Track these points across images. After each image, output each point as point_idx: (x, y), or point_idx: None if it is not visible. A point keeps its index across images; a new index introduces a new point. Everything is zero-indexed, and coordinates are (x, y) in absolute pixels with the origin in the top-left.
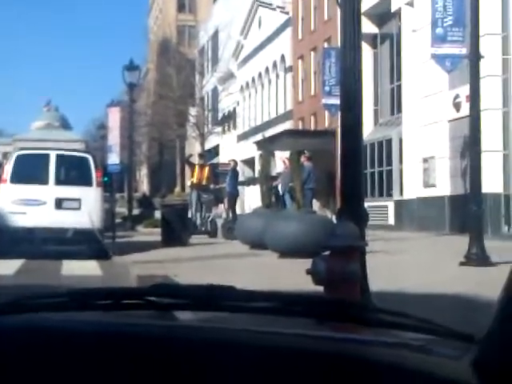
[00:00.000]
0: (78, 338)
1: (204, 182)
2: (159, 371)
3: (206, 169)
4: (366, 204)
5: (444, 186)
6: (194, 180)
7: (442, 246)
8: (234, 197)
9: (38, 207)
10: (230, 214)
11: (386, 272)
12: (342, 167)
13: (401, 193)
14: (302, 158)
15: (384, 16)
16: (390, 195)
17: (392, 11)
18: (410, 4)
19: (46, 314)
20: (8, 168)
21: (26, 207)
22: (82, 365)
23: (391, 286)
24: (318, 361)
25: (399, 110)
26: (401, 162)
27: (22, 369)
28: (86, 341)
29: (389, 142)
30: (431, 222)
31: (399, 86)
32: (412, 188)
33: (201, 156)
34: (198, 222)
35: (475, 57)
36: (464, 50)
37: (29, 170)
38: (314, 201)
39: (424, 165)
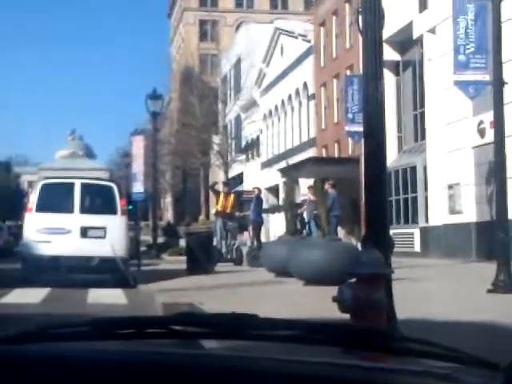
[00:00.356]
0: (101, 368)
1: (229, 210)
2: None
3: (231, 196)
4: (392, 231)
5: (470, 212)
6: (219, 208)
7: (468, 273)
8: (258, 224)
9: (63, 236)
10: (255, 242)
11: (413, 299)
12: (367, 194)
13: (426, 220)
14: (326, 186)
15: (406, 43)
16: (415, 222)
17: (414, 38)
18: (432, 31)
19: (70, 343)
20: (33, 197)
21: (52, 236)
22: None
23: (418, 314)
24: None
25: (423, 137)
26: (426, 188)
27: None
28: (110, 370)
29: (413, 168)
30: (458, 249)
31: (422, 113)
32: (438, 215)
33: (225, 184)
34: (224, 249)
35: (498, 83)
36: (487, 77)
37: (54, 199)
38: (339, 228)
39: (449, 191)
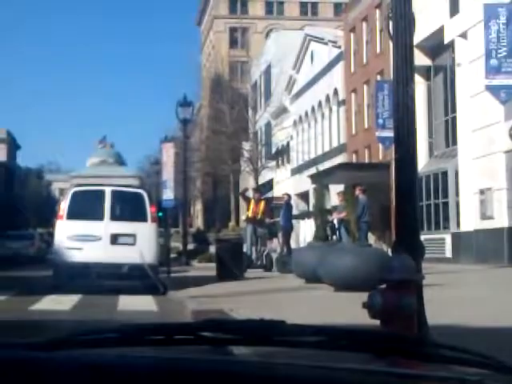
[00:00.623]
0: (130, 374)
1: (259, 216)
2: None
3: (262, 203)
4: (423, 237)
5: (502, 217)
6: (250, 214)
7: (500, 278)
8: (288, 231)
9: (93, 243)
10: (285, 248)
11: (444, 305)
12: (397, 200)
13: (458, 225)
14: (357, 191)
15: (437, 48)
16: (446, 228)
17: (445, 43)
18: (464, 36)
19: (99, 349)
20: (64, 204)
21: (82, 243)
22: None
23: (449, 320)
24: None
25: (454, 142)
26: (457, 194)
27: None
28: (138, 377)
29: (444, 174)
30: (489, 255)
31: (454, 118)
32: (469, 220)
33: (256, 190)
34: (254, 256)
35: None
36: None
37: (85, 206)
38: (370, 234)
39: (481, 196)
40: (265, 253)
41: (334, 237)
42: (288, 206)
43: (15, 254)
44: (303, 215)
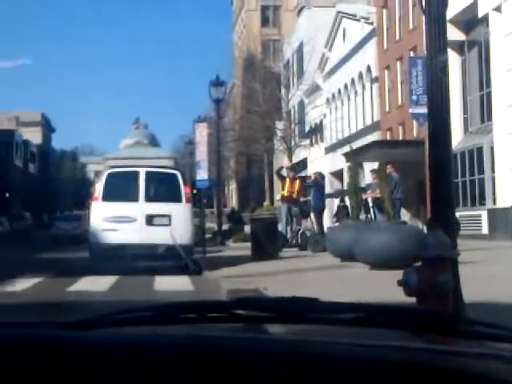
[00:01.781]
0: (164, 352)
1: (295, 195)
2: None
3: (297, 182)
4: (458, 213)
5: None
6: (285, 193)
7: None
8: (319, 210)
9: (129, 224)
10: (318, 227)
11: (480, 282)
12: (432, 176)
13: (494, 201)
14: (389, 169)
15: (471, 22)
16: (482, 204)
17: (479, 17)
18: (498, 9)
19: (133, 328)
20: (99, 186)
21: (118, 224)
22: (166, 379)
23: (485, 297)
24: (414, 374)
25: (489, 118)
26: (493, 170)
27: (110, 381)
28: (173, 355)
29: (480, 150)
30: None
31: (489, 93)
32: (506, 196)
33: (291, 169)
34: (289, 235)
35: None
36: None
37: (119, 188)
38: (405, 211)
39: None
40: (300, 232)
41: (368, 215)
42: (318, 185)
43: (65, 234)
44: (337, 194)
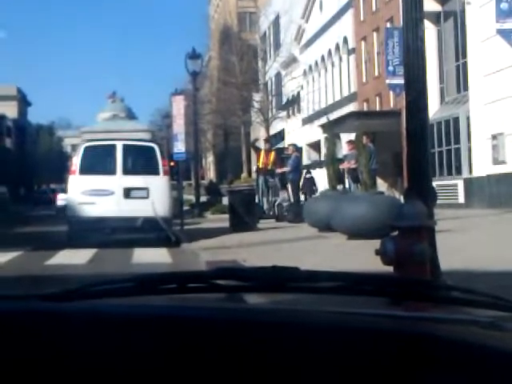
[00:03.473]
0: (144, 322)
1: (270, 167)
2: (227, 355)
3: (272, 153)
4: (435, 183)
5: None
6: (260, 165)
7: None
8: (296, 181)
9: (106, 197)
10: (295, 198)
11: (457, 250)
12: (409, 147)
13: (470, 171)
14: (365, 140)
15: None
16: (459, 173)
17: None
18: None
19: (112, 299)
20: (76, 160)
21: (95, 197)
22: (145, 349)
23: (461, 265)
24: (393, 340)
25: (466, 88)
26: (469, 139)
27: (86, 353)
28: (153, 325)
29: (456, 120)
30: (502, 199)
31: (465, 64)
32: (481, 165)
33: (266, 141)
34: (266, 206)
35: None
36: None
37: (97, 161)
38: (382, 182)
39: (493, 142)
40: (276, 203)
41: (344, 186)
42: (295, 156)
43: None
44: (315, 165)
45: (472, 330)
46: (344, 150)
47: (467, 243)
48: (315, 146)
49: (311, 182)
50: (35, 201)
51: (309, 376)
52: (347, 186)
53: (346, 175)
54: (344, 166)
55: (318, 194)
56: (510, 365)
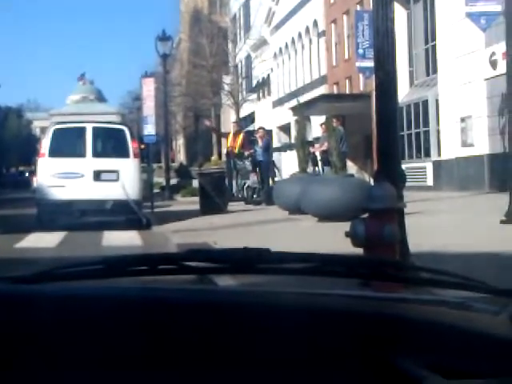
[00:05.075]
0: (113, 305)
1: (237, 150)
2: (198, 336)
3: (240, 136)
4: (404, 166)
5: (482, 144)
6: (228, 147)
7: (481, 204)
8: (266, 164)
9: (76, 180)
10: (265, 181)
11: (426, 232)
12: (378, 129)
13: (439, 153)
14: (335, 123)
15: None
16: (427, 156)
17: None
18: None
19: (82, 281)
20: (46, 142)
21: (65, 180)
22: (116, 331)
23: (430, 247)
24: (362, 321)
25: (435, 71)
26: (438, 122)
27: (56, 335)
28: (123, 307)
29: (425, 102)
30: (470, 182)
31: (434, 46)
32: (450, 148)
33: (235, 123)
34: (235, 189)
35: (510, 13)
36: (499, 7)
37: (66, 144)
38: (352, 164)
39: (461, 124)
40: (245, 186)
41: (316, 168)
42: (265, 139)
43: None
44: (285, 147)
45: (441, 310)
46: (314, 132)
47: (436, 225)
48: (285, 128)
49: (272, 164)
50: (14, 184)
51: (279, 357)
52: (320, 168)
53: (319, 158)
54: (316, 148)
55: (277, 178)
56: (478, 345)
